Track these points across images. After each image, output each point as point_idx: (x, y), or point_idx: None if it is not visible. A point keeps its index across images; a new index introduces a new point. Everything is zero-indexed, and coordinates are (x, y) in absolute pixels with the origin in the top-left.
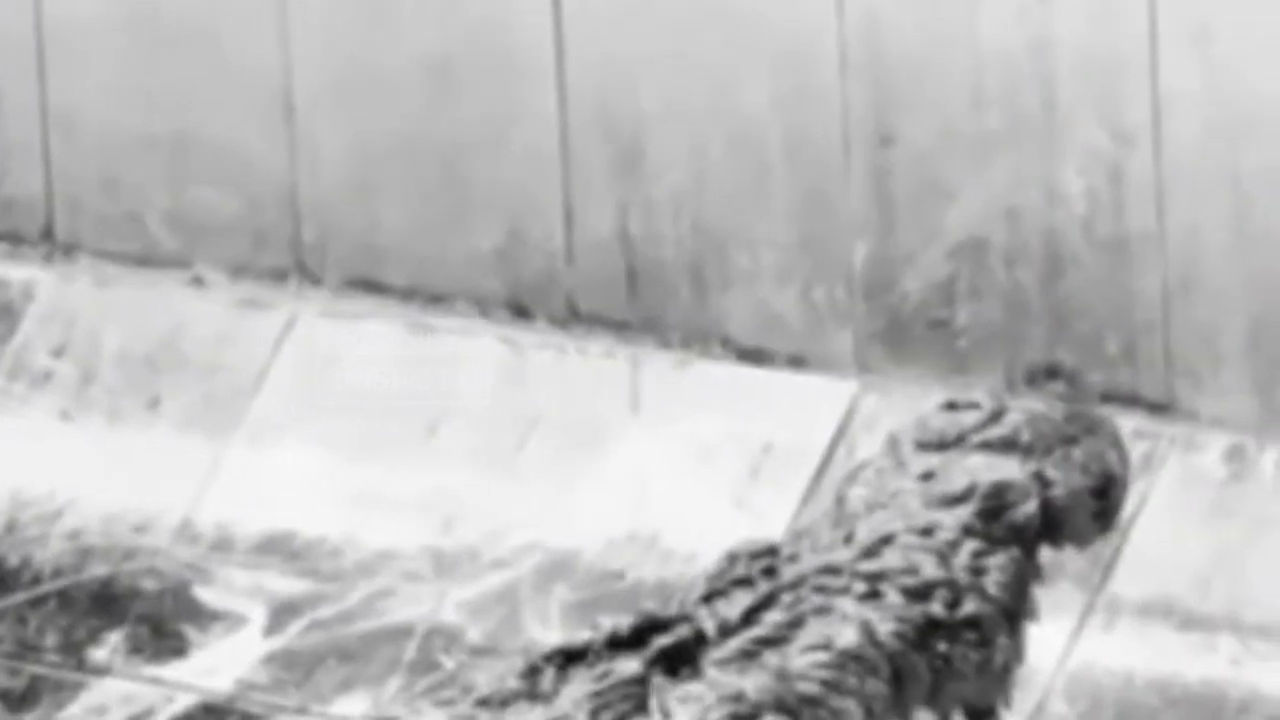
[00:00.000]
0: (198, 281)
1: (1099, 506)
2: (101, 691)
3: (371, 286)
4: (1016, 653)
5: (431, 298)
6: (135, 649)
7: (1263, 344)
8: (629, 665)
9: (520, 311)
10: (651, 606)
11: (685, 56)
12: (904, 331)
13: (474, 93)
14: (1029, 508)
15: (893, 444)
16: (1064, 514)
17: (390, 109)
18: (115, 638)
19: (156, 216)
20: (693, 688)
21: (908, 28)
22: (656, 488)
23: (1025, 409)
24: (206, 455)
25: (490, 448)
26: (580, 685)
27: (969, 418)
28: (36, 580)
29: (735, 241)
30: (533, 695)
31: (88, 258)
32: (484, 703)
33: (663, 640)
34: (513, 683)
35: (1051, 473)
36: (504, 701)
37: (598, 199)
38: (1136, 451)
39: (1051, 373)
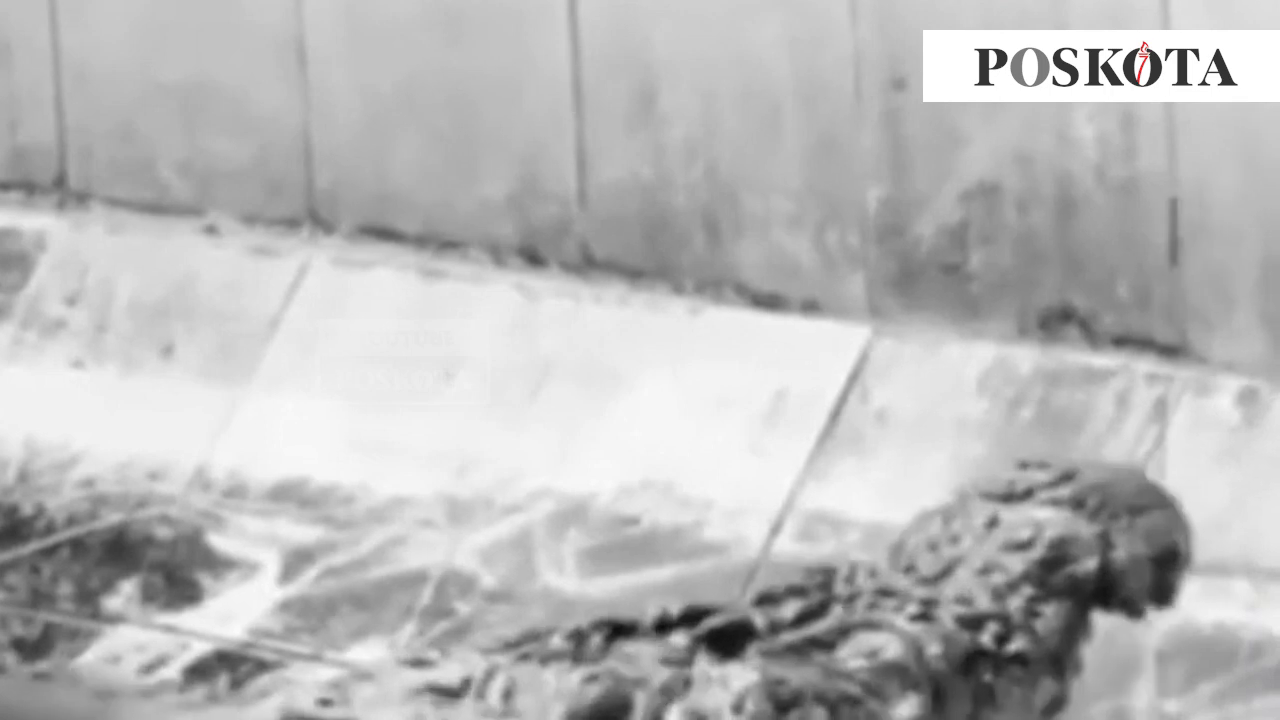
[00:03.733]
0: (210, 229)
1: (1158, 578)
2: (115, 639)
3: (384, 234)
4: (1059, 700)
5: (444, 245)
6: (149, 597)
7: (1274, 287)
8: (677, 640)
9: (533, 258)
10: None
11: (697, 2)
12: (917, 276)
13: (486, 39)
14: (1089, 564)
15: (959, 494)
16: (1122, 577)
17: (402, 56)
18: (129, 586)
19: (169, 164)
20: (736, 668)
21: None
22: (670, 434)
23: (1097, 474)
24: (220, 403)
25: (503, 394)
26: (625, 653)
27: (1038, 475)
28: (50, 529)
29: (748, 187)
30: (577, 657)
31: (101, 206)
32: (525, 658)
33: (713, 621)
34: (558, 643)
35: (1116, 536)
36: (546, 659)
37: (611, 145)
38: (1149, 395)
39: (1064, 316)
